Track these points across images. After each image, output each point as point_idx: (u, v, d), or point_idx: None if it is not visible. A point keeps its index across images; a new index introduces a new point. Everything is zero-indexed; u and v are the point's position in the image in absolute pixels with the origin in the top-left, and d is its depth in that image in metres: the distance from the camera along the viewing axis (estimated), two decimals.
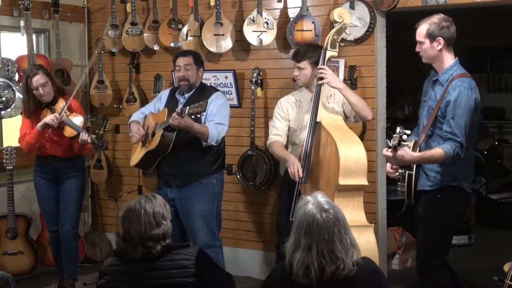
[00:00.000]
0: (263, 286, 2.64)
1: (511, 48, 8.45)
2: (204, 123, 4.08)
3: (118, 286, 2.70)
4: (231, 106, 4.49)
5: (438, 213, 3.46)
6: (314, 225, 2.34)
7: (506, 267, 3.47)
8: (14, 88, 4.90)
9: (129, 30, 5.30)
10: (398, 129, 3.16)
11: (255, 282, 5.02)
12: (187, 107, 3.84)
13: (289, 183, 4.04)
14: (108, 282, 2.71)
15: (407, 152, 3.28)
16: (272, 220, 4.91)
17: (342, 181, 3.57)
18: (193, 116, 3.86)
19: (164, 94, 4.43)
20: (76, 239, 4.74)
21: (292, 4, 4.83)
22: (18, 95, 4.89)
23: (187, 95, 4.23)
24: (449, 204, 3.48)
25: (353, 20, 4.44)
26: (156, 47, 5.30)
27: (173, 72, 4.85)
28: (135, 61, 5.41)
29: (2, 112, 4.90)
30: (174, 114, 3.87)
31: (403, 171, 3.50)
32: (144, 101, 5.39)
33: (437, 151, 3.30)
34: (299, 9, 4.65)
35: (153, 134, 4.17)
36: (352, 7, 4.51)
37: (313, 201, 2.41)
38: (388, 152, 3.29)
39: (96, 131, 5.48)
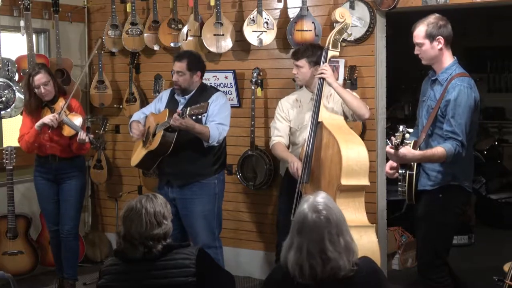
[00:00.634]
0: (263, 286, 2.63)
1: (511, 48, 8.45)
2: (205, 123, 4.08)
3: (119, 286, 2.70)
4: (231, 106, 4.48)
5: (439, 213, 3.46)
6: (305, 225, 2.32)
7: (506, 267, 3.47)
8: (14, 88, 4.90)
9: (129, 30, 5.30)
10: (401, 127, 3.17)
11: (255, 282, 5.02)
12: (188, 108, 3.83)
13: (289, 183, 4.04)
14: (108, 282, 2.70)
15: (409, 150, 3.29)
16: (272, 220, 4.91)
17: (345, 182, 3.56)
18: (194, 117, 3.86)
19: (165, 94, 4.42)
20: (77, 239, 4.74)
21: (292, 4, 4.83)
22: (18, 95, 4.88)
23: (187, 96, 4.22)
24: (451, 204, 3.47)
25: (353, 20, 4.44)
26: (156, 47, 5.30)
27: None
28: (135, 61, 5.41)
29: (2, 112, 4.90)
30: (175, 115, 3.87)
31: (403, 171, 3.50)
32: (144, 101, 5.39)
33: (439, 149, 3.31)
34: (299, 9, 4.65)
35: (154, 135, 4.16)
36: (352, 7, 4.51)
37: (310, 201, 2.38)
38: (391, 150, 3.30)
39: (96, 131, 5.48)
